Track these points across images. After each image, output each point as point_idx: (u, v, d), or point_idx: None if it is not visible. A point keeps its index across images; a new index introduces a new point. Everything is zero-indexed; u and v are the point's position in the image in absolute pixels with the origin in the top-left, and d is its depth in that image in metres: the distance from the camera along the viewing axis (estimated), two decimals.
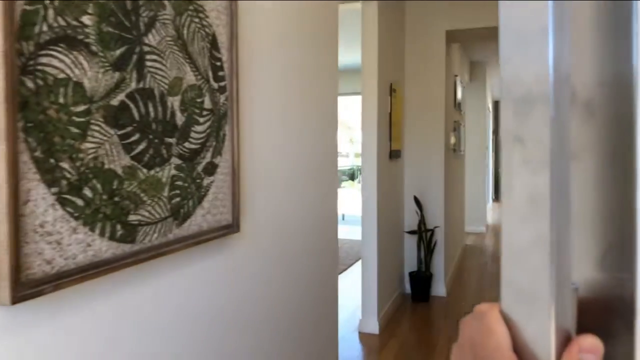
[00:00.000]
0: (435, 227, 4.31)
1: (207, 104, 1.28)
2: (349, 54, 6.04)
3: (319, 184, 2.08)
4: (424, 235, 4.16)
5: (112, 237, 0.97)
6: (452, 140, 4.70)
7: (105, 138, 0.96)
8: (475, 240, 7.28)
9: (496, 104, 14.68)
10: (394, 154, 3.94)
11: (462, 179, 6.33)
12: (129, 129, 1.02)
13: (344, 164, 13.56)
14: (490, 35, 4.53)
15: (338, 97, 2.27)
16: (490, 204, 11.84)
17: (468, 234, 7.74)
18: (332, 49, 2.20)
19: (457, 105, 5.41)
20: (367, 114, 3.45)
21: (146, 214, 1.06)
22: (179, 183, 1.18)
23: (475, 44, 6.56)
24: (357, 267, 5.11)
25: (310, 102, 1.98)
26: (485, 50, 6.97)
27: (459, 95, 5.66)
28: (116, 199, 0.98)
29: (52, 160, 0.84)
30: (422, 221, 4.17)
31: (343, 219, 10.06)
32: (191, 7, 1.22)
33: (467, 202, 7.93)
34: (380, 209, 3.56)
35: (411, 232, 4.25)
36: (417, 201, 4.18)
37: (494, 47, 6.66)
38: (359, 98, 3.61)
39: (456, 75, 5.17)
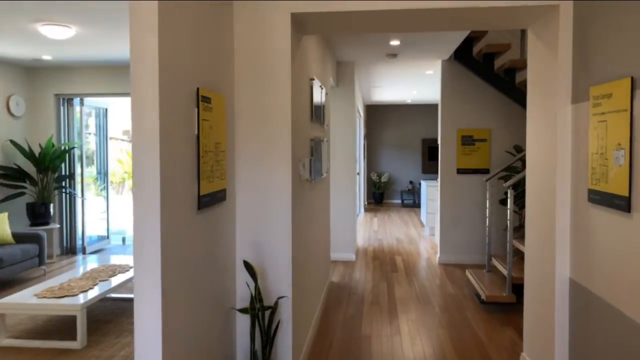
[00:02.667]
0: (280, 297, 2.97)
1: None
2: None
3: None
4: (259, 316, 2.80)
5: None
6: (303, 170, 3.41)
7: None
8: (343, 272, 6.17)
9: (368, 108, 14.12)
10: (210, 200, 2.50)
11: (325, 206, 5.13)
12: None
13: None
14: (353, 23, 3.30)
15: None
16: (361, 215, 11.04)
17: (335, 263, 6.63)
18: None
19: (317, 117, 4.15)
20: (141, 139, 1.97)
21: None
22: None
23: (340, 38, 5.38)
24: None
25: None
26: (352, 46, 5.86)
27: (321, 102, 4.41)
28: None
29: None
30: (256, 296, 2.80)
31: (124, 242, 8.36)
32: None
33: (334, 226, 6.81)
34: (181, 287, 2.12)
35: (242, 311, 2.86)
36: (248, 267, 2.80)
37: (360, 42, 5.55)
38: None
39: (312, 79, 3.90)
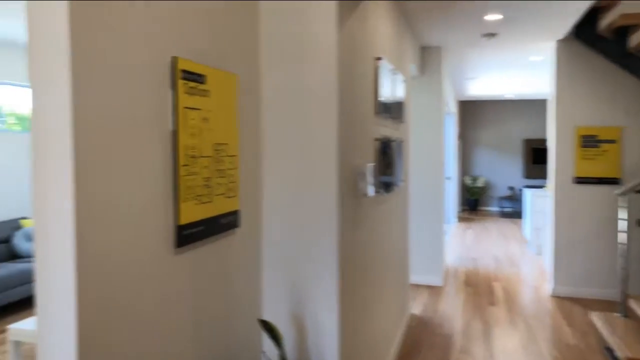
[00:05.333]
0: None
1: None
2: None
3: None
4: None
5: None
6: (362, 182, 2.45)
7: None
8: (427, 302, 5.08)
9: (461, 104, 12.71)
10: (202, 231, 1.66)
11: (401, 222, 4.11)
12: None
13: None
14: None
15: None
16: (452, 226, 9.75)
17: (417, 288, 5.55)
18: None
19: (387, 111, 3.17)
20: (42, 139, 1.15)
21: None
22: None
23: (423, 15, 4.31)
24: None
25: None
26: (438, 26, 4.76)
27: (394, 92, 3.42)
28: None
29: None
30: None
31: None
32: None
33: (417, 242, 5.74)
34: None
35: None
36: (269, 329, 1.90)
37: (449, 19, 4.44)
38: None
39: (379, 58, 2.92)
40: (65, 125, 1.13)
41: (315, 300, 2.09)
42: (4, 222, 5.30)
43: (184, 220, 1.54)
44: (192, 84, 1.58)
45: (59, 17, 1.12)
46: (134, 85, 1.33)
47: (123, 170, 1.29)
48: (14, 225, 5.36)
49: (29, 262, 5.00)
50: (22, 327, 3.40)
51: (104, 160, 1.23)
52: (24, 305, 4.92)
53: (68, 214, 1.13)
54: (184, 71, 1.54)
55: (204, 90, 1.65)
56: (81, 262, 1.15)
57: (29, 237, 5.32)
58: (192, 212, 1.58)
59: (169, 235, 1.49)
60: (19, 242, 5.22)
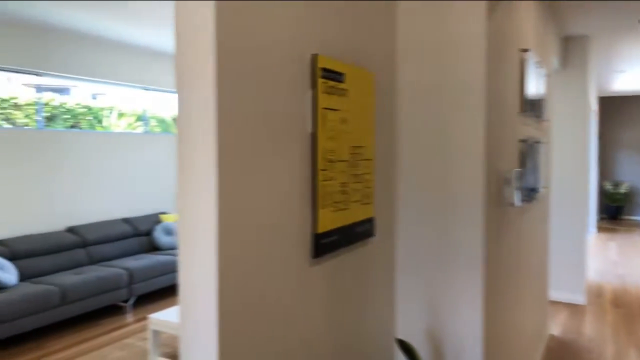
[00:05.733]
0: None
1: None
2: None
3: None
4: None
5: None
6: (508, 189, 2.18)
7: None
8: (567, 322, 4.53)
9: (601, 101, 11.34)
10: (337, 240, 1.56)
11: (541, 234, 3.69)
12: None
13: None
14: None
15: None
16: (591, 237, 8.73)
17: (556, 306, 4.99)
18: None
19: (532, 108, 2.84)
20: (186, 139, 1.12)
21: None
22: None
23: (570, 1, 3.82)
24: None
25: None
26: (587, 12, 4.20)
27: (537, 87, 3.06)
28: None
29: None
30: None
31: None
32: None
33: (555, 255, 5.17)
34: None
35: None
36: (407, 350, 1.74)
37: (600, 4, 3.88)
38: None
39: (525, 50, 2.60)
40: (209, 128, 1.09)
41: (456, 317, 1.89)
42: (147, 217, 5.79)
43: (322, 228, 1.44)
44: (331, 82, 1.49)
45: (205, 15, 1.08)
46: (275, 86, 1.26)
47: (263, 174, 1.22)
48: (155, 219, 5.84)
49: (167, 254, 5.40)
50: (161, 317, 3.63)
51: (246, 163, 1.17)
52: (163, 294, 5.33)
53: (211, 216, 1.09)
54: (324, 69, 1.44)
55: (343, 89, 1.55)
56: (222, 266, 1.10)
57: (167, 231, 5.76)
58: (329, 220, 1.49)
59: (306, 244, 1.40)
60: (159, 236, 5.67)
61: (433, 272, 1.92)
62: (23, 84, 4.97)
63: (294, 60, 1.33)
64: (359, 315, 1.73)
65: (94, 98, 5.74)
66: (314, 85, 1.41)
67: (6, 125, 4.77)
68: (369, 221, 1.75)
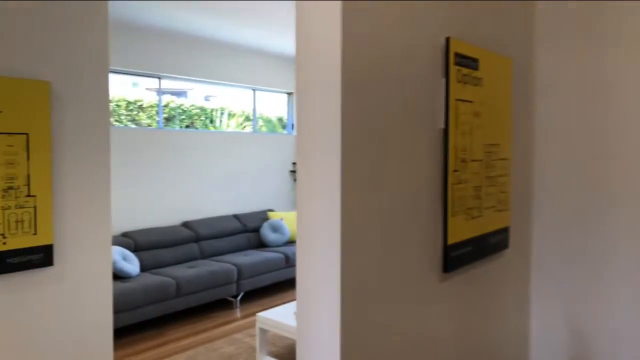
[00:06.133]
0: None
1: None
2: None
3: None
4: None
5: None
6: None
7: None
8: None
9: None
10: (469, 252, 1.36)
11: None
12: None
13: None
14: None
15: None
16: None
17: None
18: None
19: None
20: (308, 141, 0.99)
21: None
22: None
23: None
24: None
25: None
26: None
27: None
28: None
29: None
30: None
31: None
32: None
33: None
34: None
35: None
36: None
37: None
38: None
39: None
40: (334, 129, 0.95)
41: (606, 348, 1.58)
42: (255, 213, 5.94)
43: (453, 238, 1.25)
44: (465, 70, 1.28)
45: (332, 13, 0.94)
46: (403, 78, 1.09)
47: (388, 177, 1.06)
48: (263, 216, 5.97)
49: (274, 251, 5.48)
50: (268, 316, 3.64)
51: (370, 165, 1.02)
52: (268, 291, 5.42)
53: (334, 223, 0.95)
54: (458, 55, 1.24)
55: (477, 78, 1.34)
56: (346, 274, 0.96)
57: (274, 228, 5.85)
58: (461, 229, 1.28)
59: (436, 256, 1.21)
60: (266, 232, 5.77)
61: (577, 293, 1.62)
62: (147, 89, 5.33)
63: (424, 46, 1.15)
64: (489, 339, 1.50)
65: (207, 100, 6.00)
66: (446, 73, 1.22)
67: (132, 126, 5.14)
68: (504, 231, 1.51)
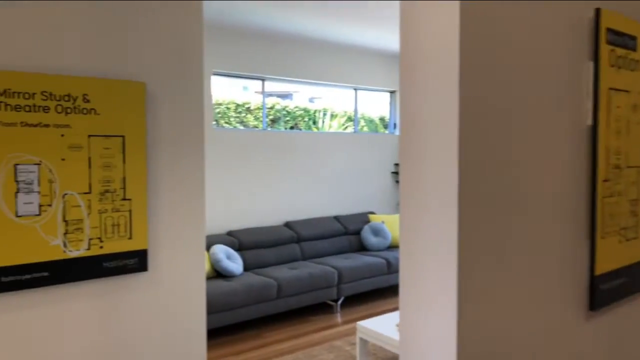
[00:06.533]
0: None
1: None
2: None
3: None
4: None
5: None
6: None
7: None
8: None
9: None
10: (621, 284, 1.06)
11: None
12: None
13: None
14: None
15: None
16: None
17: None
18: None
19: None
20: (413, 142, 0.79)
21: None
22: None
23: None
24: None
25: None
26: None
27: None
28: None
29: None
30: None
31: None
32: None
33: None
34: None
35: None
36: None
37: None
38: None
39: None
40: (450, 131, 0.74)
41: None
42: (356, 215, 5.79)
43: (602, 267, 0.97)
44: (621, 51, 1.00)
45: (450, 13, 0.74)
46: (536, 62, 0.85)
47: (515, 186, 0.83)
48: (364, 219, 5.80)
49: (375, 256, 5.29)
50: (369, 326, 3.46)
51: (493, 172, 0.80)
52: (368, 296, 5.25)
53: (450, 243, 0.75)
54: (611, 31, 0.97)
55: (636, 61, 1.04)
56: (462, 313, 0.75)
57: (375, 232, 5.66)
58: (613, 255, 1.00)
59: (579, 289, 0.95)
60: (367, 236, 5.60)
61: None
62: (255, 92, 5.45)
63: (564, 20, 0.90)
64: None
65: (312, 101, 5.99)
66: (595, 55, 0.95)
67: (240, 127, 5.28)
68: None
